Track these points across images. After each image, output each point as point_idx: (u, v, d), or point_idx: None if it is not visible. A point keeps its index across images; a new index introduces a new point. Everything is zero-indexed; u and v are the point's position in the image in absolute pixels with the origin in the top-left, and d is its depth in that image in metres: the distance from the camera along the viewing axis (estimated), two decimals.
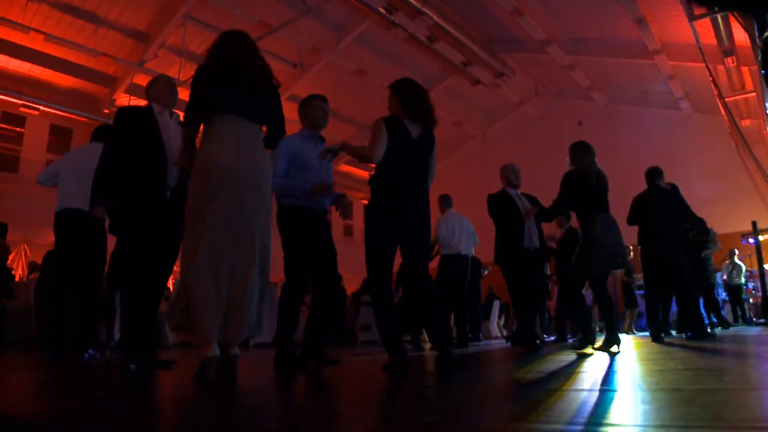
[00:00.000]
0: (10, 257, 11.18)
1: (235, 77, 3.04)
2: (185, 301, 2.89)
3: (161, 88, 4.01)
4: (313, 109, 4.13)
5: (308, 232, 3.87)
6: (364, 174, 19.41)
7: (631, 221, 6.55)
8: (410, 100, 3.64)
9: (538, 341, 6.06)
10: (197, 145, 3.14)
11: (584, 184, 5.18)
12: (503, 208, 6.07)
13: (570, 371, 3.21)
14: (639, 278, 11.07)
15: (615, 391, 2.24)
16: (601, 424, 1.48)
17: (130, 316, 3.75)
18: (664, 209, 6.43)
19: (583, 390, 2.30)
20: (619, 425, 1.47)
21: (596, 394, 2.15)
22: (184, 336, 7.50)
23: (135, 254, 3.71)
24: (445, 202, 7.62)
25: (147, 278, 3.76)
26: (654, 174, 6.66)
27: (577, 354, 4.61)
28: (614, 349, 4.67)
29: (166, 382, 3.26)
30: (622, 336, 9.24)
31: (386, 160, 3.47)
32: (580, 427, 1.43)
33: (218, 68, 3.04)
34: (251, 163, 3.00)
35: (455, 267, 7.23)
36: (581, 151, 5.55)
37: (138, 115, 3.87)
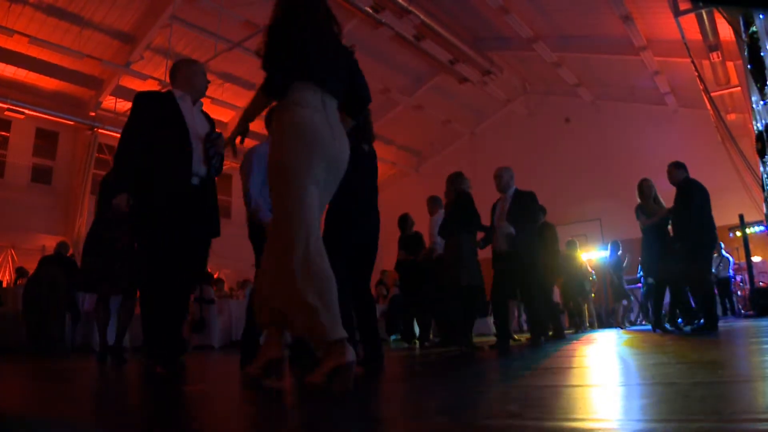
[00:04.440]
0: None
1: (317, 43, 2.58)
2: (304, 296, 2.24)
3: (189, 71, 3.71)
4: None
5: None
6: None
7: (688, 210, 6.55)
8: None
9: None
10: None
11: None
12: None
13: (564, 367, 3.22)
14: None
15: (611, 385, 2.25)
16: (599, 420, 1.48)
17: (155, 319, 3.48)
18: (708, 201, 6.56)
19: (579, 386, 2.31)
20: (617, 420, 1.48)
21: (592, 389, 2.16)
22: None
23: (160, 253, 3.39)
24: (435, 203, 7.57)
25: (176, 278, 3.47)
26: (685, 168, 6.75)
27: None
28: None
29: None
30: (615, 330, 9.31)
31: None
32: (577, 423, 1.43)
33: (297, 29, 2.54)
34: (343, 141, 2.56)
35: None
36: (462, 178, 6.28)
37: (158, 100, 3.61)
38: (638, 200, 7.04)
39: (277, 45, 2.51)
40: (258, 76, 3.25)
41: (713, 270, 11.80)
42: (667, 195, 7.00)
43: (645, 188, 7.01)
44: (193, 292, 4.84)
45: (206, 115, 3.78)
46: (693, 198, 6.48)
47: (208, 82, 3.87)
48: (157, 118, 3.46)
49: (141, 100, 3.60)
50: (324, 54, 2.58)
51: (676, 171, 6.74)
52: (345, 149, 2.56)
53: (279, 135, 2.47)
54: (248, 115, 2.67)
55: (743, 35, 6.85)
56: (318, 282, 2.26)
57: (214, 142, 3.57)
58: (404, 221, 7.93)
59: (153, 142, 3.40)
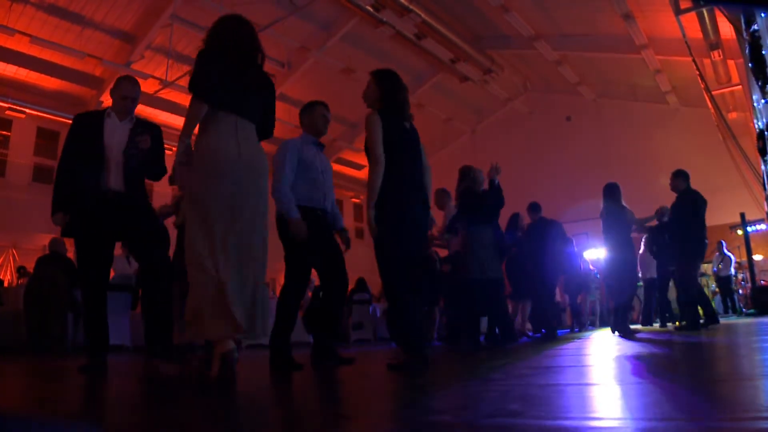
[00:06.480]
0: None
1: (237, 73, 2.98)
2: (202, 298, 2.78)
3: (115, 89, 3.97)
4: (316, 116, 4.14)
5: (309, 231, 3.82)
6: (354, 173, 19.37)
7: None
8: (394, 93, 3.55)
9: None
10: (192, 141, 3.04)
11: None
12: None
13: (566, 366, 3.22)
14: None
15: (613, 384, 2.25)
16: (601, 419, 1.48)
17: (92, 316, 3.83)
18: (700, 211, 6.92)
19: (581, 384, 2.30)
20: (619, 419, 1.48)
21: (594, 387, 2.16)
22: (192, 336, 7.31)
23: (85, 257, 3.78)
24: (446, 196, 7.46)
25: (99, 281, 3.83)
26: (685, 177, 7.04)
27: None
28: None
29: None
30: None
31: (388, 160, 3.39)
32: (579, 422, 1.43)
33: (221, 59, 2.95)
34: (251, 158, 2.96)
35: None
36: (469, 173, 6.24)
37: (86, 120, 3.91)
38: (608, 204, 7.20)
39: (202, 74, 2.87)
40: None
41: (714, 269, 11.83)
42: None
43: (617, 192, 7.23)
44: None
45: (142, 129, 3.90)
46: (685, 212, 6.87)
47: (135, 89, 4.00)
48: (81, 139, 3.81)
49: (73, 122, 3.95)
50: (242, 84, 2.98)
51: (675, 180, 7.07)
52: (254, 159, 2.97)
53: (195, 162, 2.90)
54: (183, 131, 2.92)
55: (744, 33, 6.84)
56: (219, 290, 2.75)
57: (132, 156, 3.79)
58: None
59: (77, 161, 3.78)
